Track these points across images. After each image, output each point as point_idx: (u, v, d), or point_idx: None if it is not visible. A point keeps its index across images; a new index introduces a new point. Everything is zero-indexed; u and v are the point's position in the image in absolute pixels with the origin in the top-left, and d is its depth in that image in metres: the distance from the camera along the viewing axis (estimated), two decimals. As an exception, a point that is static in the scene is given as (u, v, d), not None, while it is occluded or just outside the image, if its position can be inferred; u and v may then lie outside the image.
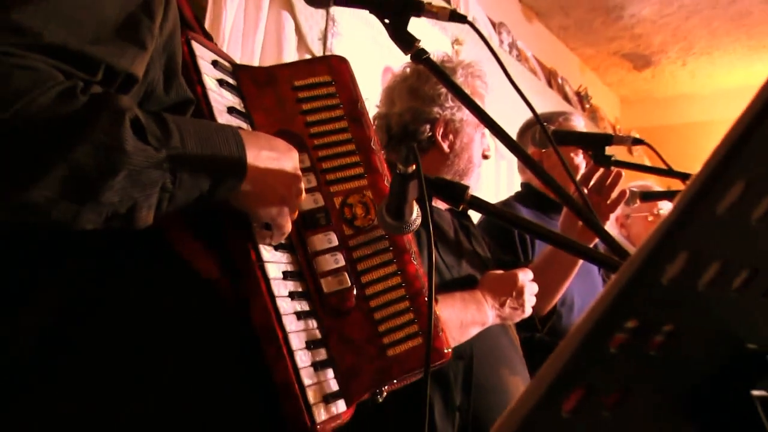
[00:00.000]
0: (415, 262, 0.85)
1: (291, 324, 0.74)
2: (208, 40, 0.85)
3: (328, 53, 2.14)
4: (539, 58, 3.76)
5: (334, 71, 0.88)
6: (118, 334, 0.68)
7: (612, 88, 4.78)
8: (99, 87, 0.62)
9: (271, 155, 0.72)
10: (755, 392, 0.37)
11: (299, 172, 0.76)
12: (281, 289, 0.75)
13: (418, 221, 0.83)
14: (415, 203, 0.81)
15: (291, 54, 2.06)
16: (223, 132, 0.69)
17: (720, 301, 0.34)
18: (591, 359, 0.31)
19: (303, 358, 0.73)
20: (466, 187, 0.84)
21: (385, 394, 0.80)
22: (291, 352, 0.72)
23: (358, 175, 0.85)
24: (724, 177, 0.29)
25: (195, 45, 0.77)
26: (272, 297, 0.73)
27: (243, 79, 0.84)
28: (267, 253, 0.75)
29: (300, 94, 0.85)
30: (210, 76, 0.78)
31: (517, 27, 3.56)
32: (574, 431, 0.33)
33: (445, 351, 0.84)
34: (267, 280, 0.74)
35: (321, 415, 0.72)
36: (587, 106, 4.19)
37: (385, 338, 0.80)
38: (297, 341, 0.74)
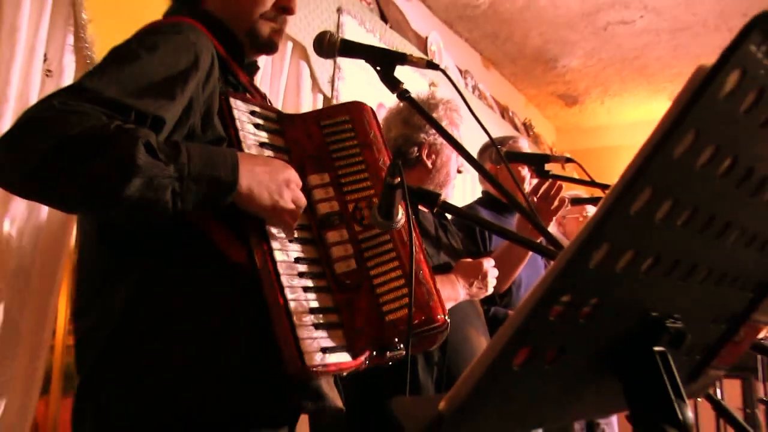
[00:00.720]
0: None
1: (292, 294, 0.73)
2: (261, 97, 0.89)
3: (335, 93, 2.15)
4: (495, 97, 3.77)
5: (352, 112, 0.92)
6: (175, 302, 0.71)
7: (549, 120, 4.81)
8: (132, 125, 0.65)
9: (265, 169, 0.73)
10: (656, 348, 0.37)
11: (291, 183, 0.75)
12: (289, 270, 0.75)
13: (403, 220, 0.82)
14: (400, 206, 0.81)
15: (307, 93, 2.05)
16: (223, 153, 0.70)
17: (632, 280, 0.35)
18: (535, 325, 0.31)
19: (303, 319, 0.72)
20: (439, 195, 0.84)
21: (404, 353, 0.78)
22: (289, 314, 0.71)
23: (367, 187, 0.86)
24: (634, 186, 0.30)
25: (232, 100, 0.80)
26: (278, 275, 0.73)
27: (283, 122, 0.87)
28: (277, 243, 0.75)
29: (326, 130, 0.89)
30: (246, 122, 0.81)
31: (478, 73, 3.57)
32: (522, 380, 0.33)
33: (439, 317, 0.81)
34: (274, 263, 0.74)
35: (314, 360, 0.70)
36: (531, 133, 4.20)
37: (384, 307, 0.79)
38: (295, 306, 0.73)
